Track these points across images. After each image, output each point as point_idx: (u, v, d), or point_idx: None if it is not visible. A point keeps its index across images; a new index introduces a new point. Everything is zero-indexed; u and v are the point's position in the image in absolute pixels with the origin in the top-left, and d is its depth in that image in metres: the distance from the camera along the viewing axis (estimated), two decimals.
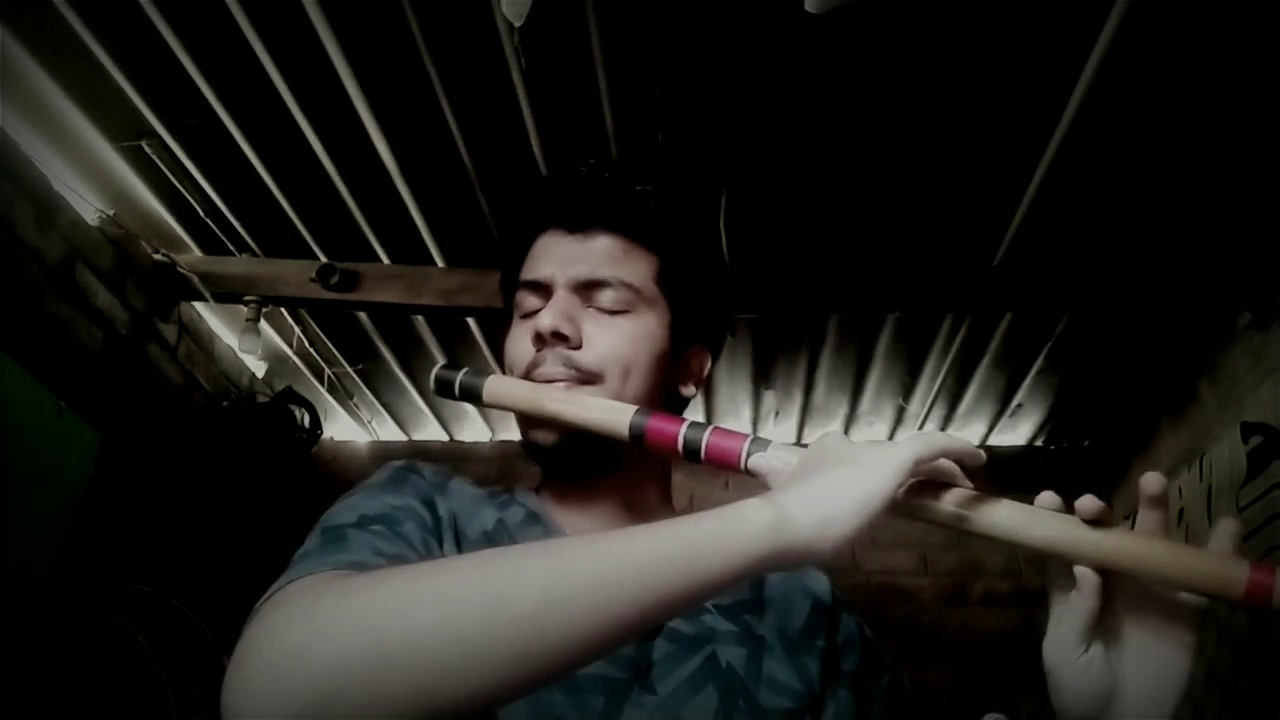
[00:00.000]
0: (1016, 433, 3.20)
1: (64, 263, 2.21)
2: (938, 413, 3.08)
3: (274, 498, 2.61)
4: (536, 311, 0.85)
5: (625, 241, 0.86)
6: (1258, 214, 2.06)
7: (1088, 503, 0.61)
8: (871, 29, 1.72)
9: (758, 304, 2.45)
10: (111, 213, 2.35)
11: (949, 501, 0.64)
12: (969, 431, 3.21)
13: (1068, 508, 0.64)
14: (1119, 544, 0.61)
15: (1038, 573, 0.65)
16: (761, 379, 2.96)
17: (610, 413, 0.77)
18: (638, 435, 0.75)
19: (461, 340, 2.84)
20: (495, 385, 0.83)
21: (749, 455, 0.71)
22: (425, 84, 1.94)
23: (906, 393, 2.97)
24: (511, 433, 3.40)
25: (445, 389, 0.85)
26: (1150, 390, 2.73)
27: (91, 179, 2.28)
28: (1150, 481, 0.62)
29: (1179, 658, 0.62)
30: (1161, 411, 2.71)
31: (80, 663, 1.85)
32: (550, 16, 1.68)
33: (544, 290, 0.85)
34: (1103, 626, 0.63)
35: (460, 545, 0.77)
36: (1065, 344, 2.65)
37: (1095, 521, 0.61)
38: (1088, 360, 2.73)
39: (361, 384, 3.12)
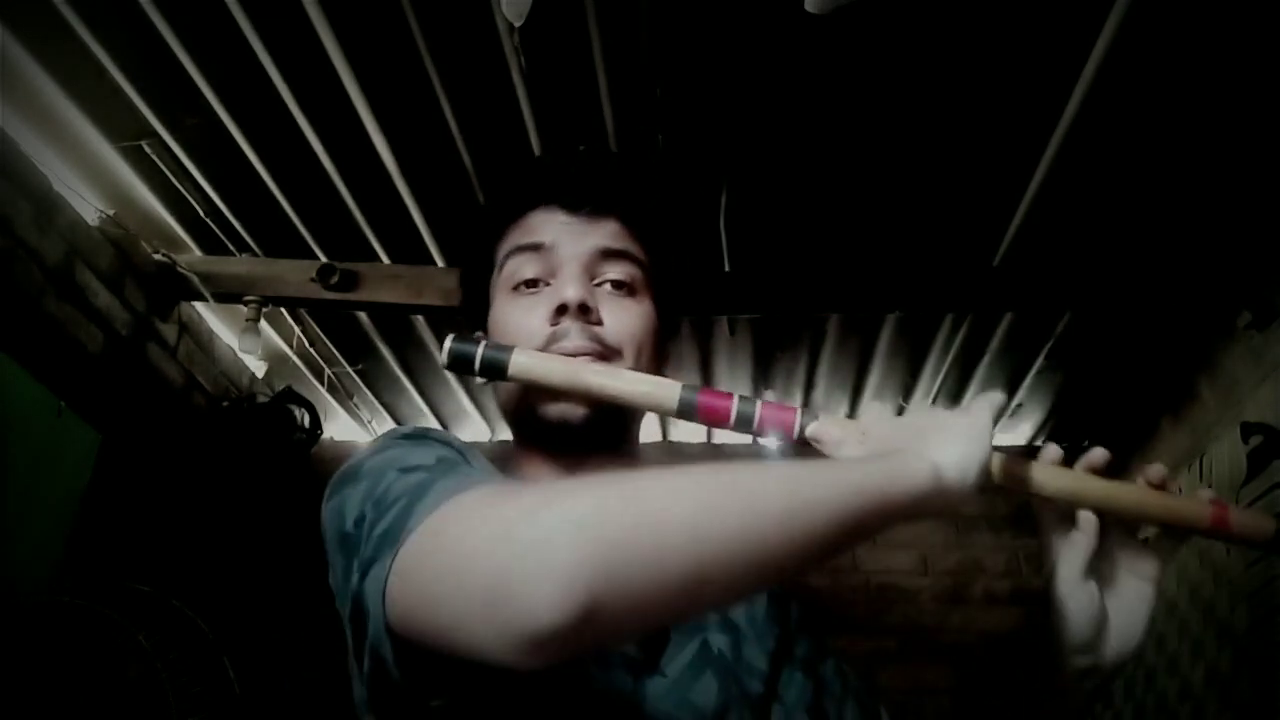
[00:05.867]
0: (1017, 432, 3.20)
1: (64, 263, 2.21)
2: None
3: (274, 498, 2.61)
4: (533, 280, 0.84)
5: (626, 228, 0.87)
6: (1257, 214, 2.06)
7: (1097, 455, 0.75)
8: (871, 29, 1.72)
9: (758, 304, 2.45)
10: (111, 213, 2.35)
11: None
12: None
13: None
14: (1117, 491, 0.75)
15: (1036, 519, 0.81)
16: (761, 379, 2.96)
17: (657, 388, 0.77)
18: (687, 410, 0.75)
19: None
20: (523, 359, 0.78)
21: (804, 425, 0.75)
22: (425, 84, 1.94)
23: (906, 393, 2.97)
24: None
25: (462, 364, 0.78)
26: (1150, 390, 2.73)
27: (91, 179, 2.28)
28: (1153, 471, 0.76)
29: (1147, 587, 0.77)
30: (1161, 411, 2.71)
31: (80, 663, 1.85)
32: (550, 16, 1.69)
33: (543, 255, 0.84)
34: (1092, 563, 0.75)
35: None
36: (1065, 344, 2.65)
37: (1097, 472, 0.75)
38: (1088, 360, 2.73)
39: (361, 384, 3.12)
